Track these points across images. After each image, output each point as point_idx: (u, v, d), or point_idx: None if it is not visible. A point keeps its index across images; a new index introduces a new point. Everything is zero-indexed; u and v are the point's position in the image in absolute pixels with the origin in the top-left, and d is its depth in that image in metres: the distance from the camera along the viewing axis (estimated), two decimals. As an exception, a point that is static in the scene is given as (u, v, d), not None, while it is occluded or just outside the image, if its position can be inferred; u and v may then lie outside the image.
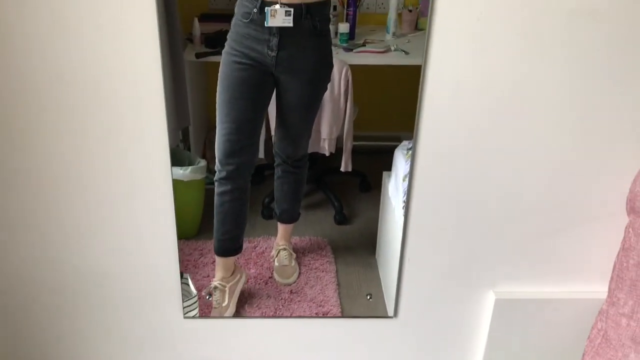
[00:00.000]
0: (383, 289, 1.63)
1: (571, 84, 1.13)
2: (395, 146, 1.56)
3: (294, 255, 1.64)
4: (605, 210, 1.20)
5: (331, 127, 1.61)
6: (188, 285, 1.52)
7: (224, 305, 1.55)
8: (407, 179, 1.41)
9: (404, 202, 1.43)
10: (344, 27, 1.53)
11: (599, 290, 1.22)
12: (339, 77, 1.57)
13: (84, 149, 1.28)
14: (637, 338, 1.07)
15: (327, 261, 1.67)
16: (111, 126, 1.26)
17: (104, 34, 1.16)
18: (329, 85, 1.52)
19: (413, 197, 1.31)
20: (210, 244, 1.55)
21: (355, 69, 1.62)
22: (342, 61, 1.55)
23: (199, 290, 1.54)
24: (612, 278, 1.15)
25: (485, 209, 1.27)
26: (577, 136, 1.17)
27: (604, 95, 1.14)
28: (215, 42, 1.37)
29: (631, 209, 1.12)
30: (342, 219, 1.72)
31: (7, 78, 1.18)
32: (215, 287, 1.54)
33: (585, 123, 1.16)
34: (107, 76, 1.20)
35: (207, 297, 1.54)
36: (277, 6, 1.25)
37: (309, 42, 1.34)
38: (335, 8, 1.50)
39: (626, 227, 1.14)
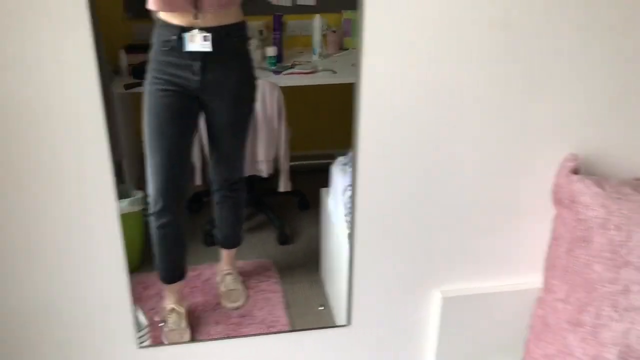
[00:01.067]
0: (331, 302, 1.66)
1: (495, 88, 1.21)
2: (331, 163, 1.61)
3: (240, 278, 1.63)
4: (535, 203, 1.30)
5: (267, 149, 1.63)
6: (138, 315, 1.48)
7: (182, 326, 1.52)
8: (347, 193, 1.46)
9: (346, 215, 1.47)
10: (271, 51, 1.57)
11: (537, 279, 1.31)
12: (271, 99, 1.60)
13: (26, 186, 1.25)
14: (573, 320, 1.16)
15: (274, 282, 1.68)
16: (54, 162, 1.23)
17: (42, 71, 1.15)
18: (262, 108, 1.54)
19: (357, 208, 1.35)
20: (153, 276, 1.52)
21: (286, 90, 1.65)
22: (272, 84, 1.58)
23: (150, 320, 1.51)
24: (546, 267, 1.24)
25: (426, 212, 1.34)
26: (505, 138, 1.25)
27: (526, 96, 1.23)
28: (142, 73, 1.37)
29: (556, 201, 1.22)
30: (284, 239, 1.74)
31: None
32: (172, 310, 1.52)
33: (511, 125, 1.25)
34: (46, 113, 1.19)
35: (168, 321, 1.51)
36: (195, 31, 1.26)
37: (230, 63, 1.36)
38: (262, 32, 1.53)
39: (554, 218, 1.23)
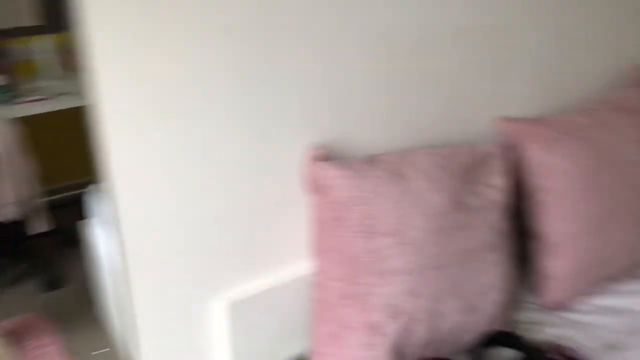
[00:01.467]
0: (117, 340, 1.54)
1: (236, 85, 1.22)
2: (87, 192, 1.49)
3: (6, 340, 1.44)
4: (296, 193, 1.34)
5: (7, 191, 1.46)
6: None
7: None
8: (109, 221, 1.36)
9: (115, 244, 1.37)
10: (-2, 80, 1.42)
11: (311, 265, 1.37)
12: (1, 135, 1.44)
13: None
14: (345, 294, 1.22)
15: (48, 334, 1.51)
16: None
17: None
18: (-5, 146, 1.38)
19: (123, 234, 1.26)
20: None
21: (25, 121, 1.51)
22: (1, 117, 1.43)
23: None
24: (315, 251, 1.29)
25: (197, 221, 1.29)
26: (256, 136, 1.27)
27: (265, 92, 1.26)
28: None
29: (310, 188, 1.27)
30: (52, 284, 1.58)
31: None
32: None
33: (263, 123, 1.27)
34: None
35: None
36: None
37: None
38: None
39: (312, 204, 1.29)
